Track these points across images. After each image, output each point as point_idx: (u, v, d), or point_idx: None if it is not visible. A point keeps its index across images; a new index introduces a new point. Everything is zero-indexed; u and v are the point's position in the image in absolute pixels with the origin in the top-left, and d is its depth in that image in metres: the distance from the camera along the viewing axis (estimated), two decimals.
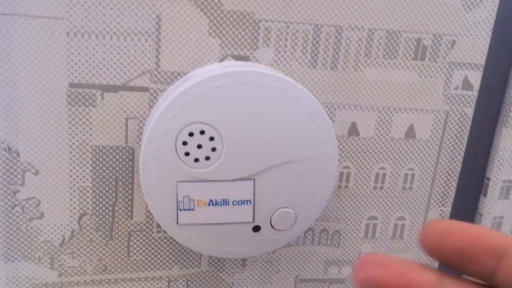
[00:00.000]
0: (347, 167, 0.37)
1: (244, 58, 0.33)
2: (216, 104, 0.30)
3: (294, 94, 0.31)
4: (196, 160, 0.30)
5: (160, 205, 0.31)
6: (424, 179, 0.38)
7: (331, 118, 0.35)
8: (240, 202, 0.31)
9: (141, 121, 0.33)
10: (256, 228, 0.32)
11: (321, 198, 0.33)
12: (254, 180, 0.31)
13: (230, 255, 0.33)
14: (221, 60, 0.33)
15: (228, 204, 0.31)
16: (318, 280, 0.39)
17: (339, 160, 0.36)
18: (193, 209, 0.31)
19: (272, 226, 0.32)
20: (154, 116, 0.30)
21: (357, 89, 0.35)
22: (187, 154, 0.30)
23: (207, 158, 0.30)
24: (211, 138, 0.30)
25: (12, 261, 0.34)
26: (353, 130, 0.36)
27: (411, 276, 0.16)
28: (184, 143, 0.30)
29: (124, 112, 0.33)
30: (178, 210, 0.31)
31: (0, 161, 0.32)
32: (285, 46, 0.33)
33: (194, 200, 0.31)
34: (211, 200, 0.31)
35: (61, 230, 0.34)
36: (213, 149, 0.30)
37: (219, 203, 0.31)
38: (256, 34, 0.33)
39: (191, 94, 0.29)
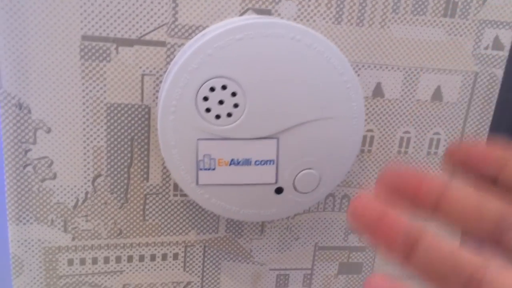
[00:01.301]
0: (371, 130, 0.35)
1: (266, 12, 0.31)
2: (239, 58, 0.28)
3: (321, 49, 0.29)
4: (218, 116, 0.29)
5: (180, 164, 0.29)
6: (449, 143, 0.37)
7: None
8: (262, 162, 0.30)
9: (157, 78, 0.31)
10: (279, 190, 0.31)
11: (346, 161, 0.31)
12: (277, 139, 0.30)
13: (251, 218, 0.32)
14: (241, 14, 0.31)
15: (250, 164, 0.30)
16: (338, 248, 0.38)
17: None
18: (213, 169, 0.30)
19: (295, 188, 0.31)
20: (173, 70, 0.28)
21: (383, 47, 0.33)
22: (208, 110, 0.29)
23: (229, 114, 0.29)
24: (233, 94, 0.28)
25: (24, 223, 0.33)
26: (378, 91, 0.34)
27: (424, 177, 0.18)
28: (205, 99, 0.28)
29: (140, 68, 0.31)
30: (198, 170, 0.30)
31: (11, 117, 0.30)
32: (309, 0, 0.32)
33: (215, 159, 0.29)
34: (232, 160, 0.30)
35: (75, 192, 0.33)
36: (235, 105, 0.29)
37: (241, 163, 0.30)
38: None
39: (212, 47, 0.28)
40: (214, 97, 0.28)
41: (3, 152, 0.31)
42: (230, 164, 0.30)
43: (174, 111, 0.28)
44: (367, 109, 0.35)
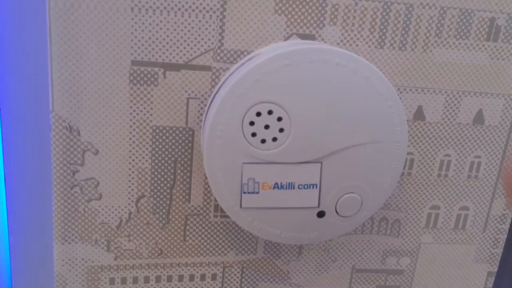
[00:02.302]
0: (411, 153, 0.35)
1: (310, 37, 0.32)
2: (285, 83, 0.28)
3: (366, 74, 0.29)
4: (263, 141, 0.29)
5: (224, 187, 0.30)
6: (490, 168, 0.36)
7: None
8: (306, 186, 0.30)
9: (202, 102, 0.32)
10: (321, 214, 0.31)
11: (388, 185, 0.31)
12: (321, 163, 0.30)
13: (292, 241, 0.32)
14: (286, 39, 0.32)
15: (294, 187, 0.30)
16: (376, 271, 0.38)
17: None
18: (257, 192, 0.30)
19: (337, 212, 0.31)
20: (221, 95, 0.29)
21: (426, 71, 0.33)
22: (253, 134, 0.29)
23: (274, 139, 0.29)
24: (279, 119, 0.29)
25: (69, 243, 0.34)
26: (419, 114, 0.34)
27: None
28: (251, 123, 0.29)
29: (186, 92, 0.32)
30: (242, 193, 0.30)
31: (61, 139, 0.31)
32: (353, 24, 0.32)
33: (259, 183, 0.30)
34: (276, 183, 0.30)
35: (119, 212, 0.34)
36: (281, 130, 0.29)
37: (285, 187, 0.30)
38: (323, 11, 0.31)
39: (259, 72, 0.28)
40: (260, 122, 0.29)
41: (52, 173, 0.32)
42: (274, 188, 0.30)
43: (221, 135, 0.29)
44: (408, 132, 0.35)
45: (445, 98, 0.34)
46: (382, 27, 0.32)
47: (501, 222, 0.38)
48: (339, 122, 0.29)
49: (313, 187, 0.30)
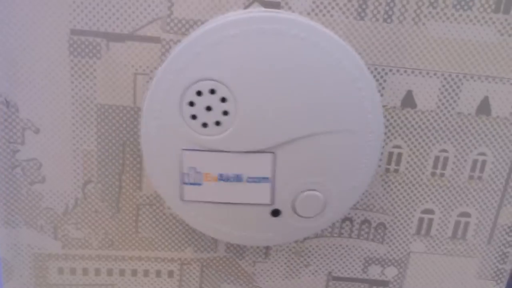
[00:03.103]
0: (398, 147, 0.30)
1: (274, 5, 0.27)
2: (231, 57, 0.24)
3: (330, 49, 0.24)
4: (205, 125, 0.25)
5: (163, 176, 0.26)
6: (498, 167, 0.30)
7: (380, 83, 0.28)
8: (256, 179, 0.26)
9: (151, 78, 0.28)
10: (276, 213, 0.27)
11: (359, 183, 0.27)
12: (274, 153, 0.25)
13: (244, 241, 0.28)
14: (246, 7, 0.27)
15: (242, 180, 0.26)
16: (356, 280, 0.33)
17: (387, 136, 0.29)
18: (200, 184, 0.26)
19: (294, 212, 0.27)
20: (158, 71, 0.25)
21: (417, 48, 0.28)
22: (194, 117, 0.25)
23: (218, 123, 0.25)
24: (223, 99, 0.25)
25: (13, 227, 0.31)
26: (409, 100, 0.29)
27: None
28: (191, 104, 0.25)
29: (132, 66, 0.28)
30: (183, 184, 0.26)
31: None
32: None
33: (201, 173, 0.26)
34: (221, 175, 0.26)
35: (64, 198, 0.31)
36: (225, 113, 0.25)
37: (231, 179, 0.26)
38: None
39: (200, 44, 0.24)
40: (201, 102, 0.25)
41: None
42: (219, 180, 0.26)
43: (157, 116, 0.25)
44: (395, 121, 0.29)
45: (441, 82, 0.28)
46: None
47: (510, 233, 0.32)
48: (296, 106, 0.25)
49: (264, 181, 0.26)
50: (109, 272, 0.33)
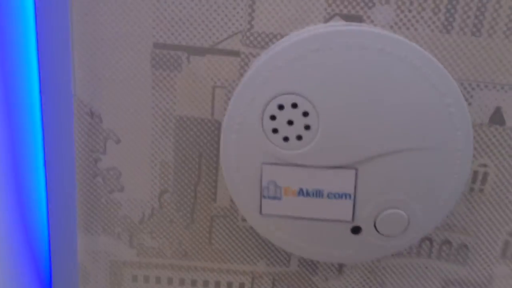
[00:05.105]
0: (484, 165, 0.28)
1: (356, 18, 0.27)
2: (314, 72, 0.24)
3: (418, 64, 0.23)
4: (286, 139, 0.25)
5: (242, 189, 0.26)
6: None
7: (467, 99, 0.27)
8: (337, 195, 0.25)
9: (229, 91, 0.29)
10: (356, 230, 0.26)
11: (445, 202, 0.25)
12: (356, 169, 0.25)
13: (322, 258, 0.27)
14: (326, 21, 0.27)
15: (322, 196, 0.25)
16: None
17: (474, 154, 0.28)
18: (279, 198, 0.26)
19: (376, 229, 0.26)
20: (239, 84, 0.25)
21: (508, 63, 0.26)
22: (275, 131, 0.25)
23: (299, 137, 0.25)
24: (305, 114, 0.24)
25: (92, 234, 0.32)
26: (497, 117, 0.27)
27: None
28: (272, 118, 0.25)
29: (211, 79, 0.28)
30: (262, 198, 0.26)
31: (83, 125, 0.30)
32: (411, 3, 0.26)
33: (280, 188, 0.26)
34: (301, 189, 0.25)
35: (141, 207, 0.31)
36: (307, 127, 0.24)
37: (311, 194, 0.25)
38: None
39: (282, 58, 0.24)
40: (282, 116, 0.25)
41: (75, 160, 0.31)
42: (299, 195, 0.26)
43: (238, 129, 0.25)
44: (481, 138, 0.28)
45: None
46: (449, 6, 0.26)
47: None
48: (380, 121, 0.24)
49: (346, 197, 0.25)
50: (181, 282, 0.33)
